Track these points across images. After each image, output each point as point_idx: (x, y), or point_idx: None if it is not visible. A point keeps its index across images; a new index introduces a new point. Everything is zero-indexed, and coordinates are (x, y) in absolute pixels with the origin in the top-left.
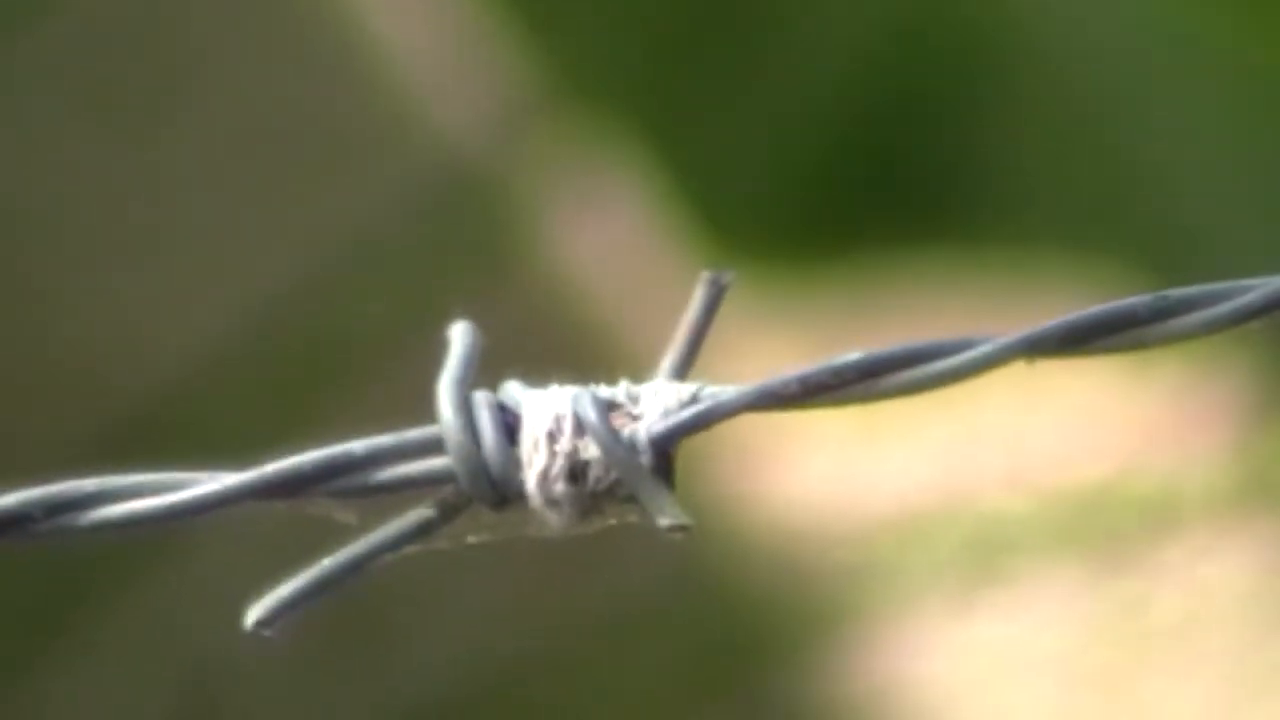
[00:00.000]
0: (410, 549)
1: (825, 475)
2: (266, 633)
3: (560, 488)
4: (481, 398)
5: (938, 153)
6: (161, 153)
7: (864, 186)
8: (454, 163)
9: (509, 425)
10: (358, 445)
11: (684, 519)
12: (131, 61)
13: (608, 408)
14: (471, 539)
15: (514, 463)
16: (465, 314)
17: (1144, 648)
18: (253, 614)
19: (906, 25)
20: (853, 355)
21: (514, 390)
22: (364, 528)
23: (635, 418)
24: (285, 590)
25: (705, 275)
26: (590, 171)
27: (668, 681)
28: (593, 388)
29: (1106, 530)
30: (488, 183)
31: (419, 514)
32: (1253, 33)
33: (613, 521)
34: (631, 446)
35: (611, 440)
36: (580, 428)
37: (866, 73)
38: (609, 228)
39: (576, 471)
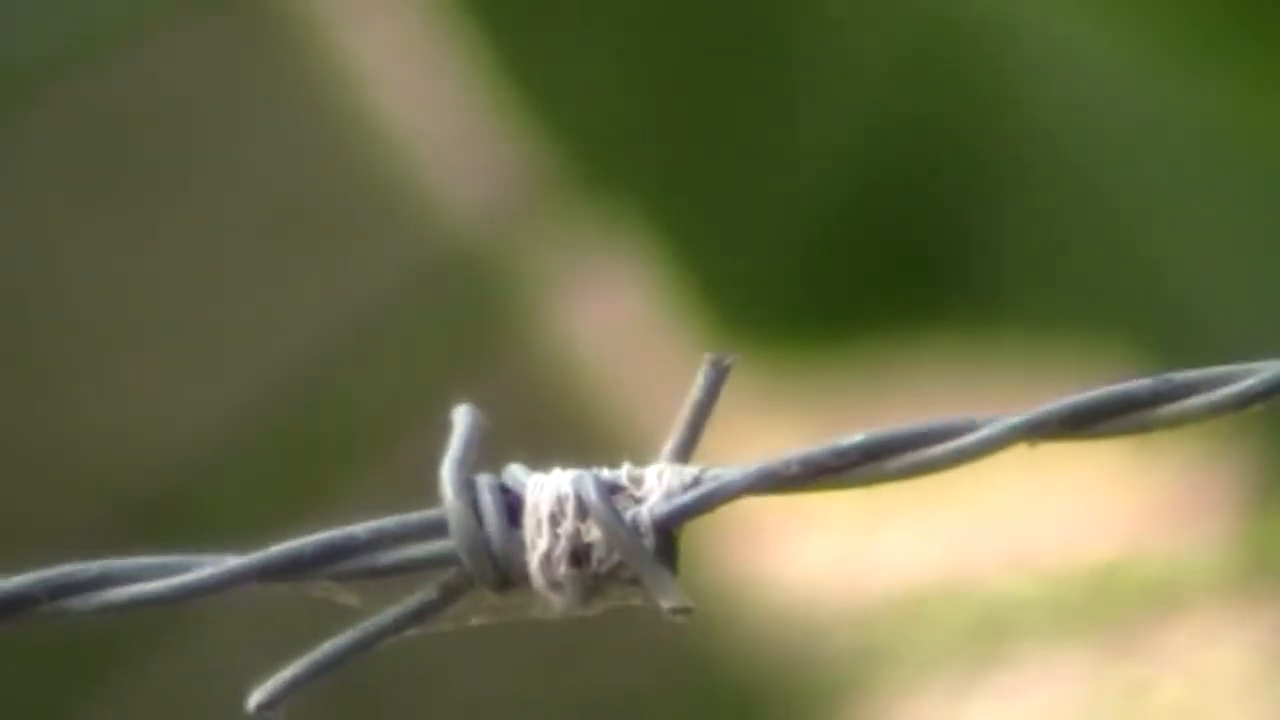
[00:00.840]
0: (413, 632)
1: (828, 557)
2: (269, 715)
3: (563, 570)
4: (484, 480)
5: (941, 236)
6: (163, 237)
7: (868, 269)
8: (457, 244)
9: (512, 507)
10: (360, 528)
11: (687, 602)
12: (133, 146)
13: (610, 490)
14: (475, 621)
15: (517, 545)
16: (468, 396)
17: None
18: (256, 697)
19: (911, 111)
20: (855, 437)
21: (517, 473)
22: (367, 610)
23: (638, 500)
24: (288, 673)
25: (708, 357)
26: (593, 253)
27: None
28: (595, 470)
29: (1109, 614)
30: (491, 264)
31: (421, 596)
32: (1259, 116)
33: (616, 604)
34: (634, 529)
35: (614, 522)
36: (583, 510)
37: (871, 157)
38: (612, 309)
39: (579, 554)
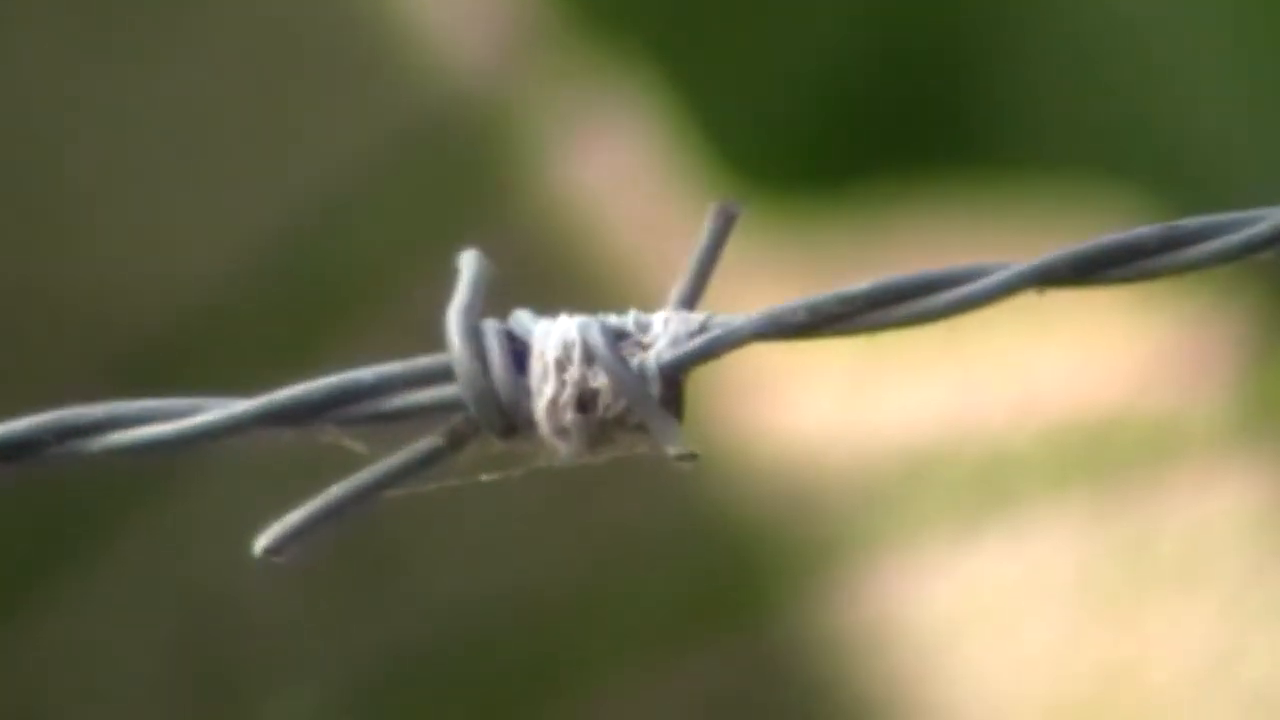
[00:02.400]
0: (421, 484)
1: (830, 408)
2: (276, 560)
3: (569, 416)
4: (490, 326)
5: (954, 85)
6: (163, 84)
7: (877, 119)
8: (462, 91)
9: (518, 354)
10: (366, 373)
11: (692, 448)
12: None
13: (617, 336)
14: (484, 477)
15: (523, 391)
16: (474, 244)
17: (1149, 577)
18: (262, 541)
19: None
20: (862, 284)
21: (523, 319)
22: (373, 457)
23: (644, 346)
24: (294, 518)
25: (715, 205)
26: (599, 100)
27: (675, 612)
28: (602, 316)
29: (1111, 465)
30: (496, 111)
31: (427, 443)
32: None
33: (621, 451)
34: (640, 375)
35: (621, 368)
36: (589, 356)
37: (879, 12)
38: (618, 157)
39: (585, 400)
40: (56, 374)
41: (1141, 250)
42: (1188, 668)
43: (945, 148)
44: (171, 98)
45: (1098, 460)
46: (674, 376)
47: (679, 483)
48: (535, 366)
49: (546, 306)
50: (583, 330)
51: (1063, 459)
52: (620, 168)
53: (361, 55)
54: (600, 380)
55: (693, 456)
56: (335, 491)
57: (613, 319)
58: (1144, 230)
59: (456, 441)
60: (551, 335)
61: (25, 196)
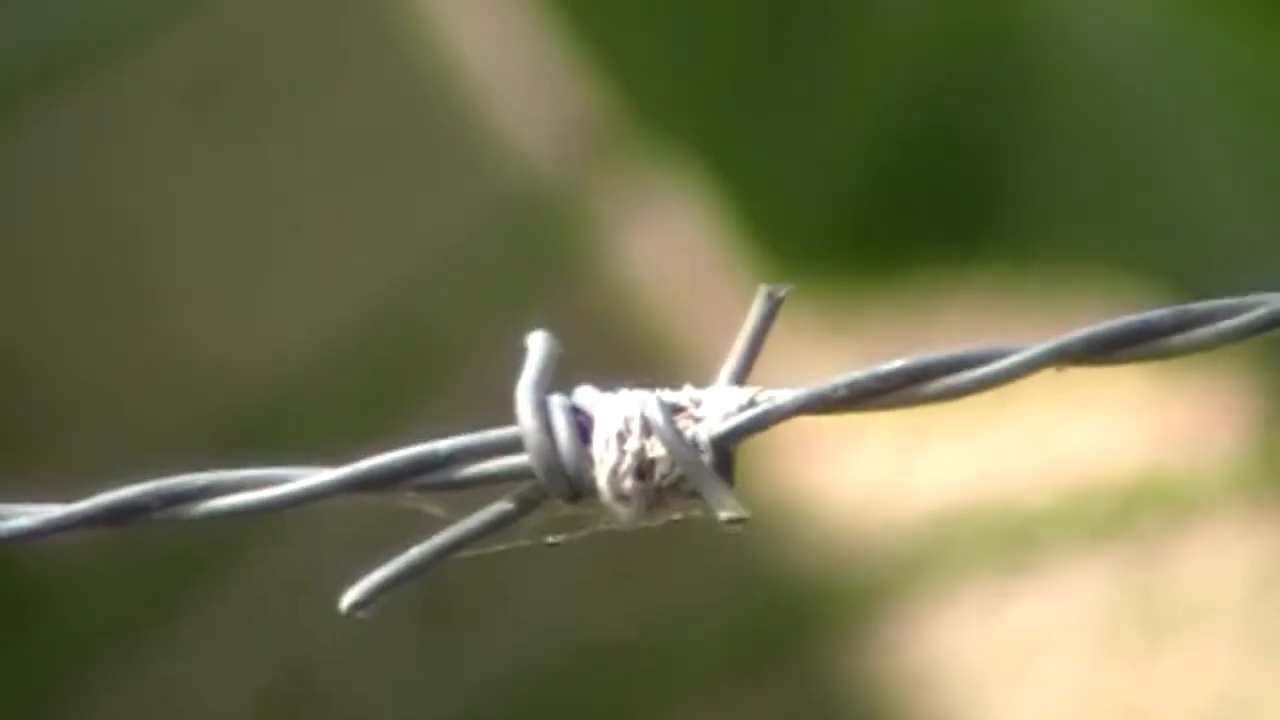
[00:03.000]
0: (493, 545)
1: (871, 474)
2: (361, 615)
3: (629, 483)
4: (557, 401)
5: (979, 180)
6: (261, 171)
7: (911, 211)
8: (532, 181)
9: (582, 426)
10: (443, 444)
11: (742, 512)
12: (235, 87)
13: (673, 410)
14: (550, 539)
15: (587, 460)
16: (542, 322)
17: (1165, 628)
18: (349, 597)
19: (952, 65)
20: (896, 362)
21: (587, 394)
22: (449, 520)
23: (698, 420)
24: (378, 575)
25: (763, 289)
26: (656, 191)
27: (727, 658)
28: (659, 392)
29: (1130, 526)
30: (562, 198)
31: (499, 507)
32: (1272, 63)
33: (677, 515)
34: (694, 445)
35: (676, 440)
36: (647, 428)
37: (913, 104)
38: (674, 243)
39: (644, 468)
40: (164, 439)
41: (1153, 331)
42: (1202, 708)
43: (973, 239)
44: (266, 188)
45: (1117, 519)
46: (724, 447)
47: (731, 541)
48: (598, 438)
49: (608, 379)
50: (642, 405)
51: (1085, 519)
52: (676, 251)
53: (442, 151)
54: (658, 451)
55: (743, 520)
56: (414, 552)
57: (669, 394)
58: (1155, 313)
59: (525, 506)
60: (613, 409)
61: (135, 275)
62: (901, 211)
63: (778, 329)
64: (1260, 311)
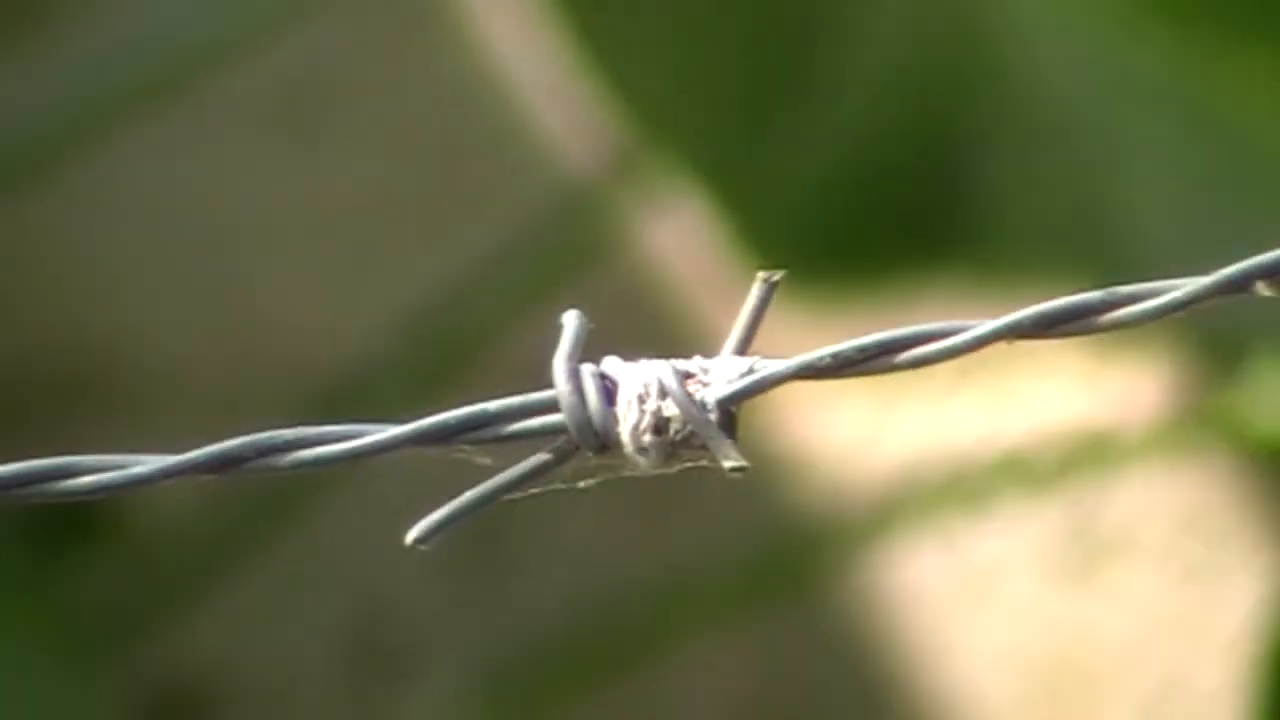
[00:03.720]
0: (532, 488)
1: (852, 430)
2: (422, 549)
3: (648, 438)
4: (587, 369)
5: (945, 198)
6: (335, 176)
7: (882, 222)
8: (565, 187)
9: (608, 390)
10: (492, 405)
11: (743, 462)
12: (312, 99)
13: (684, 377)
14: (582, 484)
15: (612, 419)
16: (573, 303)
17: (1101, 560)
18: (412, 533)
19: (922, 97)
20: (873, 336)
21: (612, 363)
22: (497, 468)
23: (705, 384)
24: (437, 515)
25: (760, 275)
26: (670, 198)
27: (737, 590)
28: (673, 361)
29: (1071, 472)
30: (591, 203)
31: (539, 458)
32: (1217, 88)
33: (688, 465)
34: (702, 406)
35: (687, 402)
36: (663, 392)
37: (887, 134)
38: (685, 242)
39: (660, 425)
40: (257, 408)
41: (1088, 310)
42: (1134, 626)
43: (937, 242)
44: (339, 191)
45: (1060, 469)
46: (728, 407)
47: (732, 486)
48: (621, 400)
49: (630, 351)
50: (658, 372)
51: (1032, 469)
52: (686, 248)
53: (490, 161)
54: (672, 411)
55: (743, 468)
56: (467, 495)
57: (681, 363)
58: (1090, 294)
59: (561, 457)
60: (634, 376)
61: (226, 268)
62: (875, 222)
63: (772, 315)
64: (1176, 294)
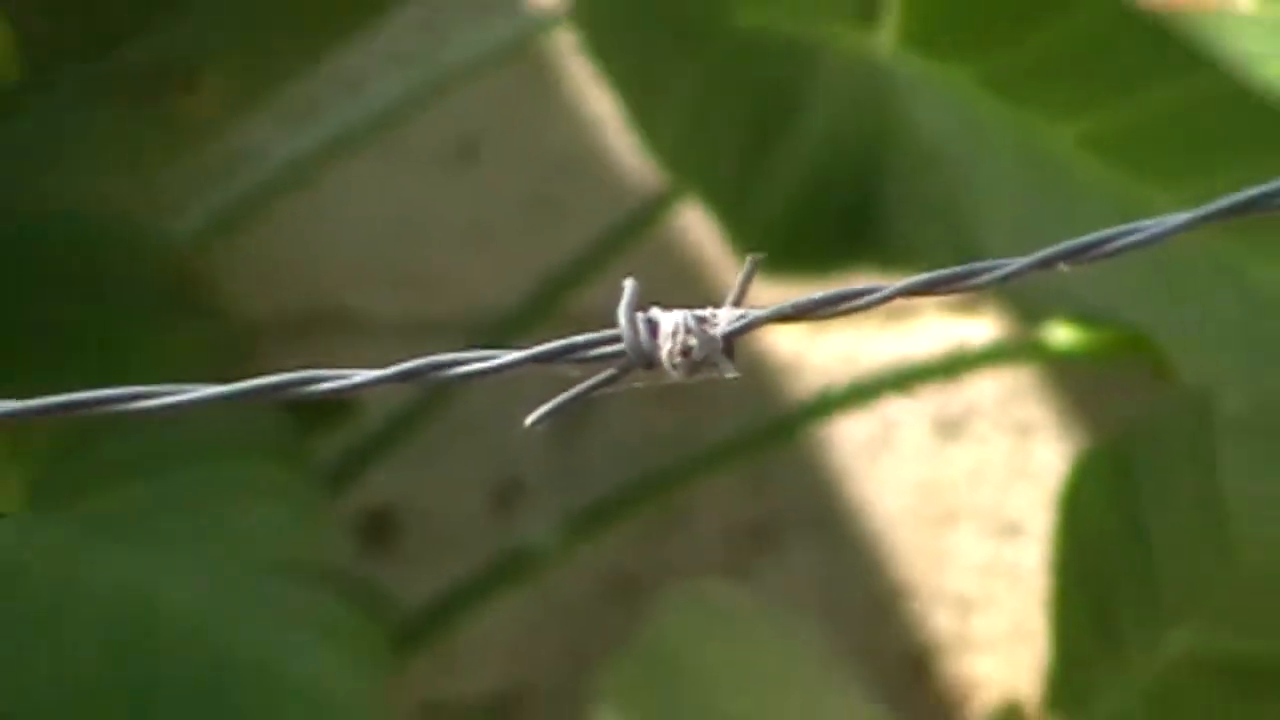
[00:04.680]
0: (605, 390)
1: (800, 348)
2: (539, 428)
3: (678, 360)
4: (639, 315)
5: (862, 216)
6: (480, 193)
7: (825, 231)
8: (631, 197)
9: (652, 329)
10: (579, 339)
11: (736, 373)
12: (468, 141)
13: (700, 321)
14: (637, 384)
15: (655, 348)
16: (631, 273)
17: (960, 431)
18: (532, 417)
19: (849, 150)
20: (820, 294)
21: (655, 312)
22: (584, 377)
23: (715, 325)
24: (546, 407)
25: (749, 258)
26: (693, 209)
27: (731, 447)
28: (694, 310)
29: (942, 378)
30: (647, 207)
31: (608, 372)
32: (1047, 145)
33: (705, 376)
34: (713, 340)
35: (703, 336)
36: (688, 330)
37: (828, 175)
38: (704, 236)
39: (685, 351)
40: (430, 342)
41: (953, 279)
42: (982, 463)
43: (858, 239)
44: (482, 205)
45: (934, 376)
46: (729, 340)
47: (733, 387)
48: (661, 335)
49: (668, 303)
50: (684, 317)
51: (915, 375)
52: (703, 239)
53: (582, 180)
54: (694, 342)
55: (737, 377)
56: (565, 395)
57: (699, 311)
58: (955, 269)
59: (622, 372)
60: (669, 320)
61: (405, 263)
62: (819, 232)
63: (755, 284)
64: (1010, 268)
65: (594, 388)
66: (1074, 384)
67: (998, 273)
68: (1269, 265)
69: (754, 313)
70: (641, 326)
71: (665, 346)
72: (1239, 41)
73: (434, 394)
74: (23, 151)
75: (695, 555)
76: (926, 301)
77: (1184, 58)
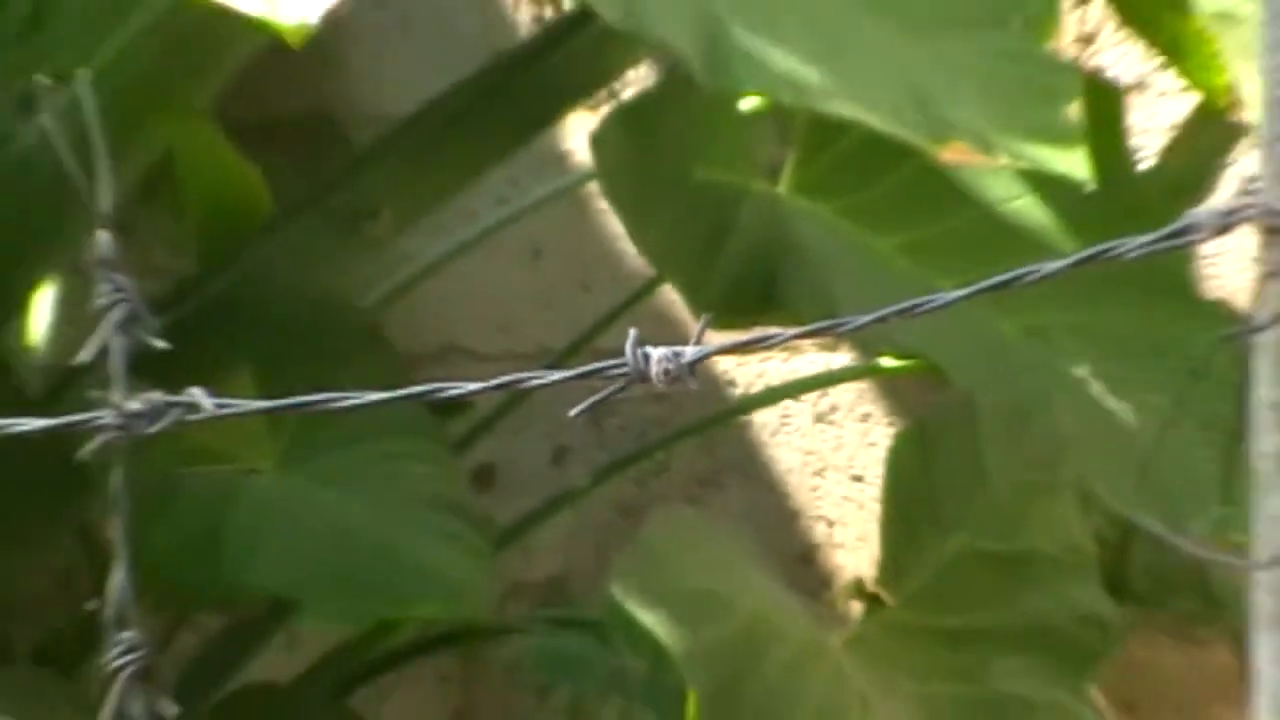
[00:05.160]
0: (619, 395)
1: (735, 368)
2: (581, 417)
3: (662, 377)
4: (639, 350)
5: (775, 288)
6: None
7: (752, 298)
8: (632, 281)
9: (647, 358)
10: (602, 364)
11: (697, 386)
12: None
13: (676, 354)
14: (637, 392)
15: (648, 370)
16: (634, 325)
17: (829, 411)
18: (574, 410)
19: (751, 258)
20: (755, 334)
21: (649, 348)
22: (602, 388)
23: (684, 356)
24: (584, 404)
25: (704, 315)
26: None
27: (694, 429)
28: (673, 347)
29: (819, 383)
30: (641, 289)
31: (616, 385)
32: (881, 245)
33: (680, 389)
34: (684, 365)
35: (677, 363)
36: (669, 359)
37: (750, 271)
38: (676, 301)
39: (667, 372)
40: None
41: (826, 329)
42: (842, 438)
43: (773, 303)
44: (541, 278)
45: (813, 383)
46: (693, 365)
47: (695, 395)
48: (652, 362)
49: (655, 342)
50: (666, 351)
51: (801, 382)
52: (676, 302)
53: (602, 267)
54: (671, 366)
55: (699, 387)
56: (594, 397)
57: (675, 348)
58: (826, 322)
59: (628, 384)
60: (656, 353)
61: (492, 286)
62: (747, 298)
63: (709, 332)
64: (856, 323)
65: (612, 394)
66: (896, 390)
67: (851, 325)
68: (1007, 321)
69: (708, 348)
70: (640, 357)
71: (655, 369)
72: (994, 188)
73: (516, 396)
74: (281, 258)
75: (671, 492)
76: (808, 341)
77: (961, 197)
